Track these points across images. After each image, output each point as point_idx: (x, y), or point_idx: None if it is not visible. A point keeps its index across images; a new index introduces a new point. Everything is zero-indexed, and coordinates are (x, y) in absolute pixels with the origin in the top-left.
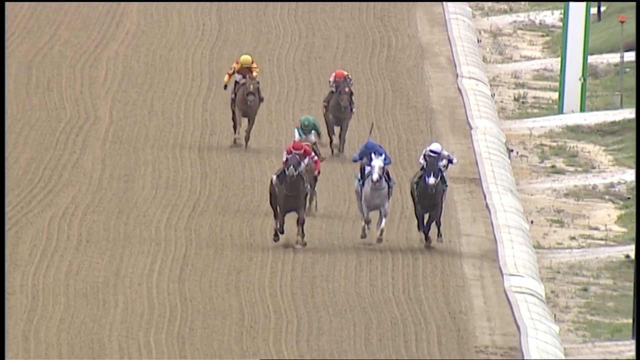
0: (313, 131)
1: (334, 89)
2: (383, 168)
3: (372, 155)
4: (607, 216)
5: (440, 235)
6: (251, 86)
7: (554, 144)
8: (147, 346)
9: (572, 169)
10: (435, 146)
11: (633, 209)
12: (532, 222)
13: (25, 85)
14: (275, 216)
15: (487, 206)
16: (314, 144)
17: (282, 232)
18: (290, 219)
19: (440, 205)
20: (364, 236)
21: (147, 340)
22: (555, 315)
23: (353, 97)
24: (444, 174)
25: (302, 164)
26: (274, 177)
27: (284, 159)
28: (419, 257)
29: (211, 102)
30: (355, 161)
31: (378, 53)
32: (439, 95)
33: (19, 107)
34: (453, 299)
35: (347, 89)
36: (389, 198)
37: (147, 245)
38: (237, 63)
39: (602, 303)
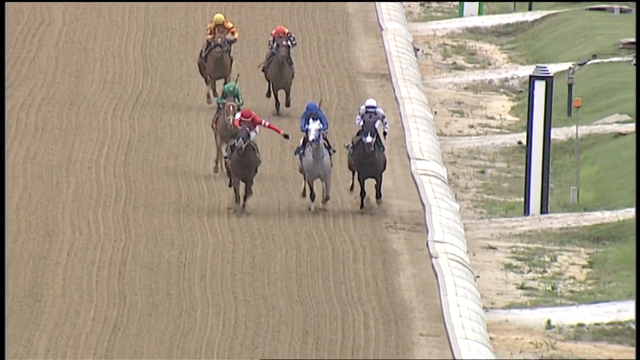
0: (235, 99)
1: (273, 49)
2: (319, 131)
3: (310, 119)
4: (501, 107)
5: (380, 197)
6: (219, 39)
7: (455, 43)
8: (96, 222)
9: (471, 65)
10: (371, 101)
11: (525, 101)
12: (435, 112)
13: None
14: (230, 185)
15: (396, 98)
16: (239, 106)
17: (239, 199)
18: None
19: (382, 167)
20: (304, 196)
21: (96, 217)
22: (456, 195)
23: (291, 52)
24: (380, 138)
25: (253, 135)
26: (227, 150)
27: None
28: (335, 142)
29: (152, 6)
30: (303, 130)
31: None
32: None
33: None
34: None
35: (284, 43)
36: (331, 166)
37: (96, 133)
38: (211, 22)
39: (497, 184)
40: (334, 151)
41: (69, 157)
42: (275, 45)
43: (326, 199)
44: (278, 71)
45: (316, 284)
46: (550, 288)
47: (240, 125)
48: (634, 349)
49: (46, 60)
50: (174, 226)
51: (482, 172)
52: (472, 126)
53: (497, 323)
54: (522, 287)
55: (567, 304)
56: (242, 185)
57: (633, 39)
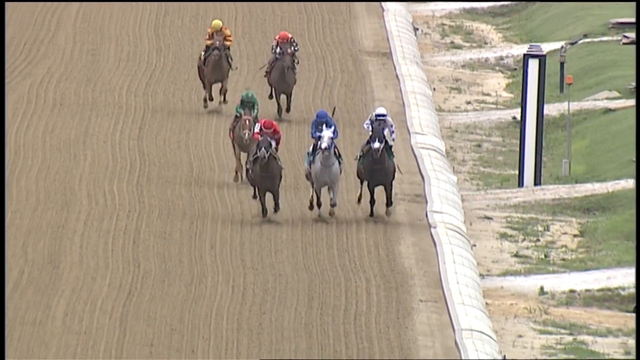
0: (253, 108)
1: (277, 54)
2: (332, 139)
3: (323, 127)
4: (497, 84)
5: (391, 204)
6: (217, 42)
7: (453, 23)
8: (111, 193)
9: (468, 44)
10: (381, 110)
11: (519, 78)
12: (434, 89)
13: None
14: (255, 196)
15: (396, 76)
16: (255, 118)
17: (266, 211)
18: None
19: (391, 176)
20: (311, 208)
21: (111, 188)
22: (453, 167)
23: (295, 59)
24: (391, 145)
25: (273, 145)
26: (250, 162)
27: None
28: (339, 118)
29: None
30: (314, 137)
31: None
32: None
33: None
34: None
35: (289, 50)
36: (340, 174)
37: (111, 108)
38: (210, 28)
39: (493, 157)
40: (342, 159)
41: (85, 131)
42: (279, 51)
43: (333, 205)
44: (280, 77)
45: (321, 252)
46: (543, 256)
47: (261, 136)
48: (622, 314)
49: (64, 39)
50: (185, 197)
51: (479, 145)
52: (469, 102)
53: (492, 289)
54: (516, 255)
55: (559, 271)
56: (268, 196)
57: (622, 19)
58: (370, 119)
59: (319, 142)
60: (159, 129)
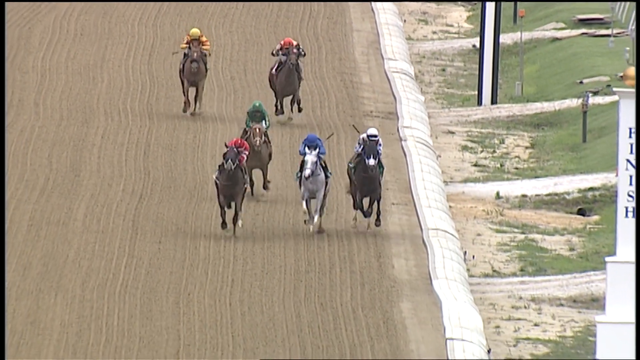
0: (263, 120)
1: (282, 55)
2: (316, 163)
3: (307, 149)
4: (459, 16)
5: (379, 219)
6: (195, 54)
7: None
8: (125, 110)
9: None
10: (373, 131)
11: (478, 11)
12: (405, 20)
13: None
14: (221, 207)
15: (372, 9)
16: (265, 131)
17: (226, 224)
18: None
19: (379, 188)
20: (306, 222)
21: (125, 107)
22: (421, 89)
23: (300, 63)
24: (381, 158)
25: (241, 155)
26: (216, 173)
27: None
28: (322, 45)
29: None
30: (302, 154)
31: None
32: None
33: None
34: (347, 76)
35: (295, 50)
36: (326, 187)
37: (125, 37)
38: (188, 35)
39: (456, 80)
40: (331, 174)
41: (102, 57)
42: (282, 54)
43: (319, 215)
44: (286, 78)
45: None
46: (499, 165)
47: (228, 147)
48: (567, 216)
49: None
50: (188, 116)
51: (443, 70)
52: (434, 32)
53: (455, 194)
54: (476, 165)
55: (512, 178)
56: (231, 209)
57: None
58: (359, 142)
59: (304, 167)
60: (167, 55)
